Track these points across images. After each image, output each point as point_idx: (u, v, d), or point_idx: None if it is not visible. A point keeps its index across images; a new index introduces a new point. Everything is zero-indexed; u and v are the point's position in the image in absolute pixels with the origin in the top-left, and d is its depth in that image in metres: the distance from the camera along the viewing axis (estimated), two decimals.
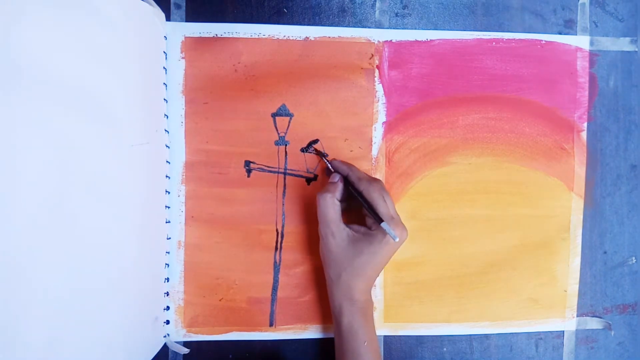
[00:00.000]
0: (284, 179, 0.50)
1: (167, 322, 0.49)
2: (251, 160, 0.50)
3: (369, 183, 0.44)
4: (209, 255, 0.50)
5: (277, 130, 0.50)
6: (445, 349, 0.53)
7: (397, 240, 0.42)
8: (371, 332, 0.45)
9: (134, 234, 0.42)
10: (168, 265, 0.49)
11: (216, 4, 0.49)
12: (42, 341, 0.33)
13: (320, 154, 0.49)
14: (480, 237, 0.52)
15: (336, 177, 0.46)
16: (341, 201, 0.46)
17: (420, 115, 0.51)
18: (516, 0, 0.52)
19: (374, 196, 0.44)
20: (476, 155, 0.52)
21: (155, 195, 0.46)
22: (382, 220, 0.42)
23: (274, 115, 0.50)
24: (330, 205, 0.44)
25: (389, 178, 0.51)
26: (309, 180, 0.50)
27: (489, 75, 0.52)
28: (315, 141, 0.50)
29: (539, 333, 0.54)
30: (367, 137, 0.51)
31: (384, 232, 0.43)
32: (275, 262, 0.50)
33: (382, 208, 0.43)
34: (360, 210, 0.47)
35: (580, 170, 0.53)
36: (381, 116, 0.51)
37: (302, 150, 0.50)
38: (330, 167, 0.48)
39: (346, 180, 0.46)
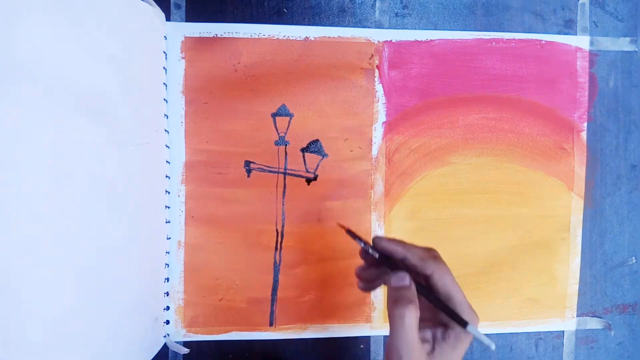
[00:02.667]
0: (284, 179, 0.50)
1: (167, 322, 0.49)
2: (251, 160, 0.50)
3: (436, 263, 0.34)
4: (209, 255, 0.50)
5: (277, 130, 0.50)
6: None
7: (493, 348, 0.33)
8: None
9: (134, 234, 0.42)
10: (168, 265, 0.49)
11: (216, 4, 0.49)
12: (42, 341, 0.33)
13: (355, 236, 0.38)
14: (480, 237, 0.52)
15: (406, 278, 0.34)
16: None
17: (420, 115, 0.51)
18: (516, 0, 0.52)
19: (446, 281, 0.34)
20: (476, 155, 0.52)
21: (155, 195, 0.46)
22: (466, 323, 0.33)
23: (274, 115, 0.50)
24: (414, 320, 0.32)
25: (389, 178, 0.51)
26: (309, 180, 0.50)
27: (489, 75, 0.52)
28: (316, 141, 0.50)
29: (539, 333, 0.54)
30: (367, 137, 0.51)
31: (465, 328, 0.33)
32: (275, 262, 0.50)
33: (459, 296, 0.34)
34: None
35: (580, 170, 0.53)
36: (381, 116, 0.51)
37: (303, 150, 0.50)
38: (370, 251, 0.36)
39: (390, 261, 0.36)
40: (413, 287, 0.34)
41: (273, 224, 0.50)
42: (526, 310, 0.53)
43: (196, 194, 0.49)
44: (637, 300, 0.55)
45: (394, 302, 0.33)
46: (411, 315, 0.32)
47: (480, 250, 0.52)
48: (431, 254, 0.35)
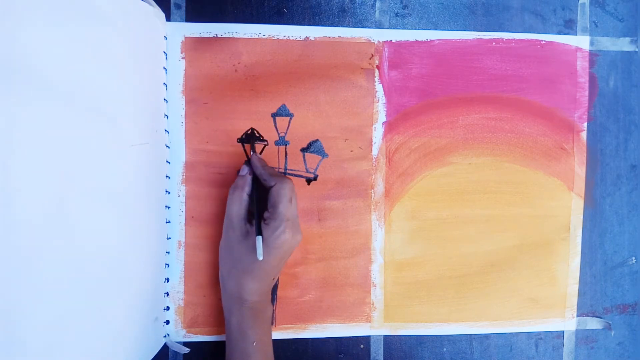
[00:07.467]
0: None
1: (167, 322, 0.49)
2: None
3: (282, 180, 0.43)
4: (209, 255, 0.50)
5: (277, 130, 0.50)
6: (445, 349, 0.53)
7: (261, 259, 0.40)
8: (262, 334, 0.44)
9: (134, 234, 0.42)
10: (168, 265, 0.49)
11: (216, 4, 0.49)
12: (42, 341, 0.33)
13: (252, 148, 0.48)
14: (480, 237, 0.52)
15: (245, 170, 0.45)
16: (251, 197, 0.45)
17: (420, 115, 0.51)
18: (516, 0, 0.52)
19: (282, 193, 0.42)
20: (476, 155, 0.52)
21: (155, 195, 0.46)
22: (258, 233, 0.41)
23: (274, 115, 0.50)
24: (237, 199, 0.43)
25: (389, 178, 0.51)
26: (309, 180, 0.50)
27: (489, 75, 0.52)
28: (316, 141, 0.50)
29: (539, 333, 0.54)
30: (367, 137, 0.51)
31: (276, 232, 0.41)
32: None
33: (283, 207, 0.42)
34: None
35: (580, 170, 0.53)
36: (381, 116, 0.51)
37: (303, 150, 0.50)
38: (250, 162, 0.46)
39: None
40: (248, 180, 0.45)
41: None
42: (526, 310, 0.53)
43: (196, 194, 0.49)
44: (637, 300, 0.55)
45: (232, 186, 0.45)
46: (234, 192, 0.44)
47: (480, 250, 0.52)
48: (282, 177, 0.44)
